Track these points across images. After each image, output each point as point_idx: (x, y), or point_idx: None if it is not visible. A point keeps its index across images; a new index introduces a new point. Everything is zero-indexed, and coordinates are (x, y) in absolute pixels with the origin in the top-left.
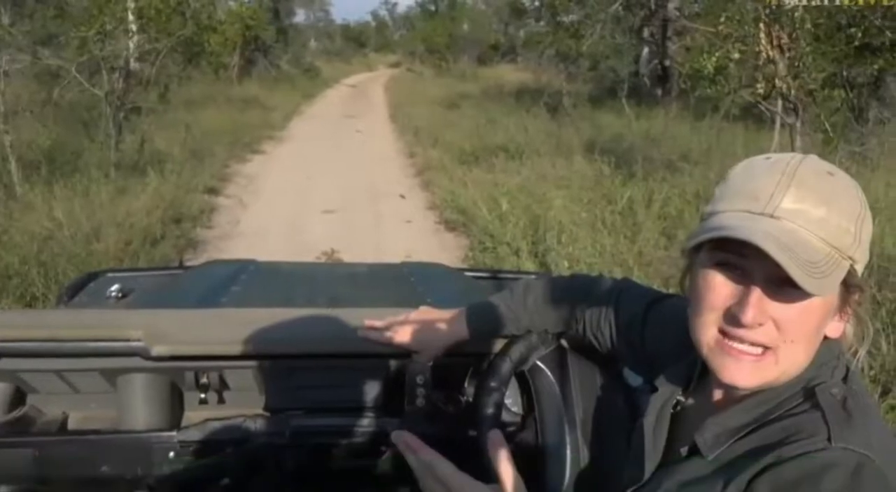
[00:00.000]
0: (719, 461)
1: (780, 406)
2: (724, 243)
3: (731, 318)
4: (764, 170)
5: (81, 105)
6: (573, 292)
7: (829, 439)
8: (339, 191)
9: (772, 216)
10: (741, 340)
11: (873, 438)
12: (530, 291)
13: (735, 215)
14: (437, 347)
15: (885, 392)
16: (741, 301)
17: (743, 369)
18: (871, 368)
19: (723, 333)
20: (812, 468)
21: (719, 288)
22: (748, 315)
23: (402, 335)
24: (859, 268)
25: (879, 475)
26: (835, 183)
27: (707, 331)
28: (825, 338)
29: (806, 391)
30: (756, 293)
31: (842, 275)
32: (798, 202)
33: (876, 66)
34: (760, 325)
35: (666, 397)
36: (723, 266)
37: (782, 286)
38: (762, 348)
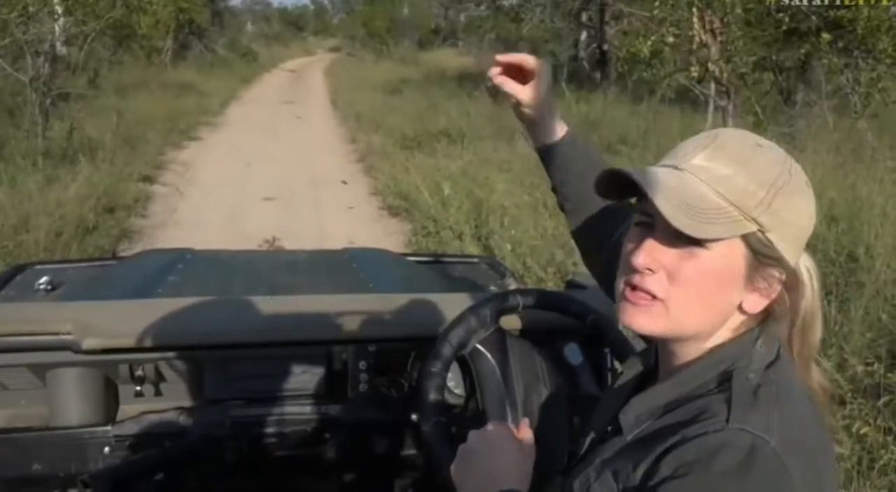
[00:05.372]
0: (636, 440)
1: (699, 388)
2: (641, 203)
3: (631, 266)
4: (696, 137)
5: (5, 91)
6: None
7: (727, 420)
8: (279, 178)
9: (676, 168)
10: (635, 287)
11: (776, 422)
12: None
13: (649, 169)
14: None
15: None
16: (637, 247)
17: (637, 314)
18: None
19: (629, 284)
20: (707, 448)
21: (631, 243)
22: (638, 258)
23: None
24: (774, 238)
25: (774, 457)
26: (757, 152)
27: (619, 283)
28: (743, 312)
29: (723, 374)
30: (650, 240)
31: (737, 231)
32: (708, 160)
33: (803, 51)
34: (651, 271)
35: (631, 375)
36: (639, 225)
37: (679, 237)
38: (654, 297)
